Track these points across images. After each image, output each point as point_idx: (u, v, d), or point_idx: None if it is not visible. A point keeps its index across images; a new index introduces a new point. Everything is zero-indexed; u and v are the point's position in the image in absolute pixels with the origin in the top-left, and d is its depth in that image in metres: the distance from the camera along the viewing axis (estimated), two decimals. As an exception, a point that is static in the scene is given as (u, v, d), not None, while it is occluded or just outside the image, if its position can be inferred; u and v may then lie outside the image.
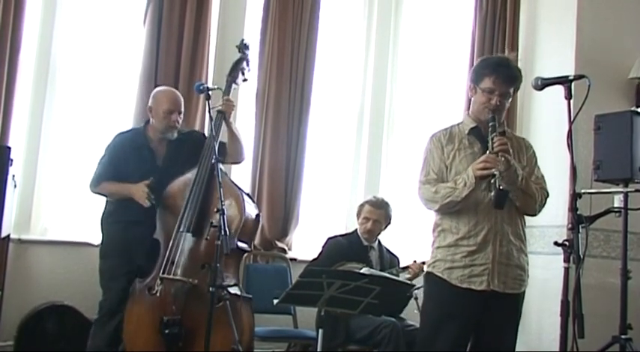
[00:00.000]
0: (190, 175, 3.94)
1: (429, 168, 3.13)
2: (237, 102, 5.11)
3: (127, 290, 3.82)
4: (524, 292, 3.16)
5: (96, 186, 4.02)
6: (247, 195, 4.07)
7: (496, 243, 3.02)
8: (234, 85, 4.16)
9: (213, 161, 3.75)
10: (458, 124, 3.23)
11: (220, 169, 3.73)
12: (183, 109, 4.13)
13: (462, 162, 3.08)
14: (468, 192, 2.95)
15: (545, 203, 3.20)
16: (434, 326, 3.07)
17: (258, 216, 4.13)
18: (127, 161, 3.98)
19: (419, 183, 3.15)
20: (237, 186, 4.01)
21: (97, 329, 3.89)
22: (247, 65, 4.23)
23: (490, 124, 3.01)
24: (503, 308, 3.05)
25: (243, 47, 4.22)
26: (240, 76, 4.19)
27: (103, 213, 4.06)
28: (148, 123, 4.13)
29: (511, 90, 3.11)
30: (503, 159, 2.93)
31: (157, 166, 4.02)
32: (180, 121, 4.11)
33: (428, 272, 3.16)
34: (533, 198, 3.11)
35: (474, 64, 3.35)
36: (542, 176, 3.24)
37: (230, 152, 4.10)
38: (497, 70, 3.05)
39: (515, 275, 3.06)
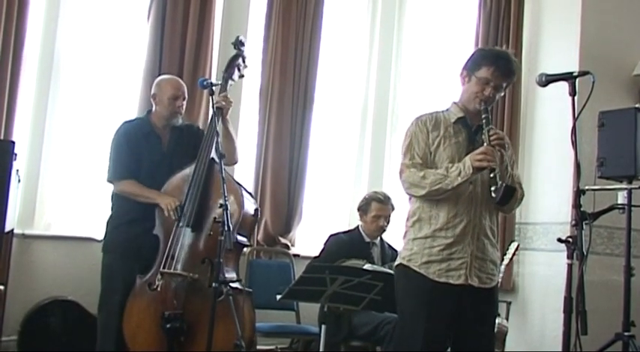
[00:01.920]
0: (188, 170, 3.94)
1: (413, 152, 3.07)
2: (240, 99, 5.14)
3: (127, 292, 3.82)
4: (496, 286, 3.11)
5: (119, 179, 3.98)
6: (245, 190, 4.07)
7: (474, 236, 2.97)
8: (230, 82, 4.15)
9: (217, 157, 3.74)
10: (443, 111, 3.16)
11: (217, 164, 3.73)
12: (186, 95, 4.19)
13: (446, 151, 3.03)
14: (462, 181, 2.89)
15: (521, 202, 3.17)
16: (412, 322, 3.00)
17: (256, 210, 4.13)
18: (139, 148, 4.01)
19: (402, 165, 3.08)
20: (235, 181, 4.01)
21: (107, 330, 3.84)
22: (243, 62, 4.21)
23: (484, 116, 2.96)
24: (479, 302, 2.99)
25: (238, 44, 4.20)
26: (237, 73, 4.18)
27: (110, 217, 4.07)
28: (150, 112, 4.16)
29: (504, 85, 3.06)
30: (499, 153, 2.90)
31: (163, 153, 4.06)
32: (184, 107, 4.15)
33: (404, 266, 3.05)
34: (515, 197, 3.07)
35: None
36: (519, 175, 3.20)
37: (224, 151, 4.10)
38: (497, 61, 3.00)
39: (489, 270, 3.02)
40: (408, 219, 3.12)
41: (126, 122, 4.15)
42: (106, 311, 3.87)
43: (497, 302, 3.22)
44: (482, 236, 3.00)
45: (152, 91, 4.14)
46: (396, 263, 3.14)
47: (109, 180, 4.03)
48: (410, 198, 3.13)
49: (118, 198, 4.03)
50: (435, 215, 3.01)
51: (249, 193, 4.11)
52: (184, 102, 4.15)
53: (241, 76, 4.25)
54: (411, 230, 3.08)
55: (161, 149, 4.07)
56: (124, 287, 3.82)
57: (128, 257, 3.89)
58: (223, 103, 4.00)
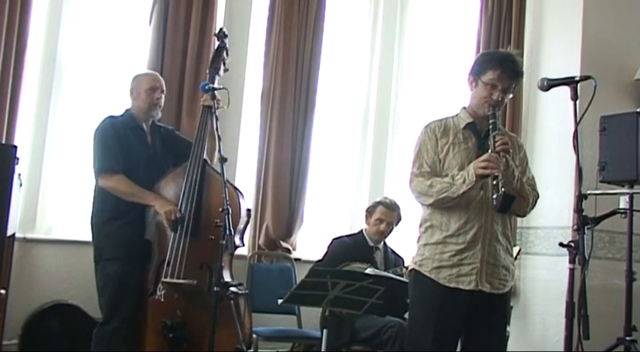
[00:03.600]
0: (181, 175, 3.85)
1: (422, 161, 3.07)
2: (242, 102, 5.14)
3: (139, 298, 3.75)
4: (509, 292, 3.12)
5: (109, 173, 3.81)
6: (238, 190, 3.98)
7: (485, 242, 2.97)
8: (217, 77, 4.08)
9: (219, 160, 3.71)
10: (453, 117, 3.15)
11: (211, 166, 3.74)
12: (164, 89, 4.12)
13: (456, 157, 3.03)
14: (466, 189, 2.90)
15: (535, 204, 3.15)
16: (422, 326, 3.01)
17: (249, 210, 4.09)
18: (127, 140, 3.91)
19: (411, 175, 3.08)
20: (230, 183, 3.89)
21: (109, 342, 3.71)
22: (227, 55, 4.15)
23: (491, 121, 2.96)
24: (491, 308, 2.99)
25: (221, 36, 4.15)
26: (222, 67, 4.12)
27: (94, 214, 3.92)
28: (128, 110, 4.07)
29: (512, 86, 3.06)
30: (504, 159, 2.90)
31: (148, 146, 4.01)
32: (163, 101, 4.09)
33: (415, 271, 3.07)
34: (526, 200, 3.07)
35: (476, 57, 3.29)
36: (533, 177, 3.20)
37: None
38: (503, 64, 3.00)
39: (501, 275, 3.01)
40: (420, 225, 3.13)
41: (110, 117, 4.02)
42: (121, 322, 3.72)
43: (509, 309, 3.20)
44: (494, 241, 3.00)
45: (130, 87, 4.07)
46: (410, 267, 3.16)
47: (98, 174, 3.85)
48: (422, 205, 3.12)
49: (109, 198, 3.84)
50: (446, 221, 3.01)
51: (240, 192, 4.00)
52: (163, 96, 4.09)
53: (226, 70, 4.18)
54: (423, 236, 3.09)
55: (147, 143, 4.02)
56: (136, 297, 3.74)
57: (134, 261, 3.80)
58: (207, 101, 3.94)
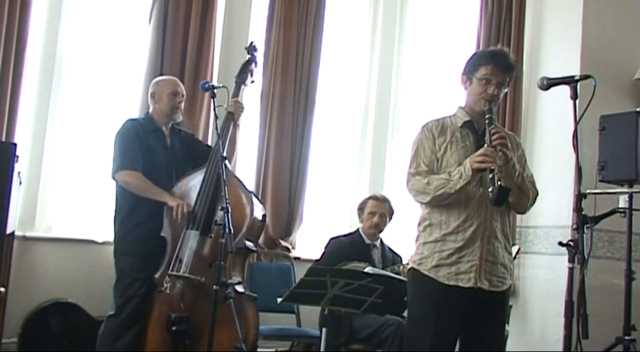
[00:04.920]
0: (200, 174, 3.97)
1: (419, 160, 3.07)
2: (241, 101, 5.13)
3: (147, 294, 3.81)
4: (508, 290, 3.11)
5: (125, 169, 3.90)
6: (255, 195, 4.10)
7: (484, 239, 2.96)
8: (242, 87, 4.27)
9: (219, 158, 3.76)
10: (450, 116, 3.16)
11: (227, 168, 3.76)
12: (184, 94, 4.24)
13: (454, 156, 3.02)
14: (463, 184, 2.89)
15: (535, 201, 3.15)
16: (421, 325, 3.01)
17: (264, 216, 4.17)
18: (147, 142, 4.00)
19: (408, 174, 3.08)
20: (245, 187, 4.04)
21: (116, 332, 3.78)
22: (255, 66, 4.33)
23: (487, 116, 2.96)
24: (489, 306, 2.99)
25: (252, 49, 4.31)
26: (249, 78, 4.29)
27: (115, 213, 4.01)
28: (149, 114, 4.17)
29: (507, 80, 3.06)
30: (501, 154, 2.89)
31: (168, 149, 4.10)
32: (183, 106, 4.20)
33: (414, 270, 3.06)
34: (527, 195, 3.06)
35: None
36: (532, 174, 3.19)
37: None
38: (495, 58, 3.02)
39: (500, 273, 3.01)
40: (419, 224, 3.12)
41: (130, 119, 4.14)
42: (128, 314, 3.79)
43: (507, 307, 3.19)
44: (492, 239, 2.99)
45: (150, 91, 4.17)
46: (408, 266, 3.15)
47: (115, 172, 3.93)
48: (421, 203, 3.12)
49: (128, 197, 3.94)
50: (445, 220, 3.00)
51: (258, 199, 4.14)
52: (183, 100, 4.19)
53: (252, 82, 4.35)
54: (422, 234, 3.09)
55: (166, 145, 4.10)
56: (145, 291, 3.81)
57: (147, 257, 3.87)
58: (231, 108, 4.12)
